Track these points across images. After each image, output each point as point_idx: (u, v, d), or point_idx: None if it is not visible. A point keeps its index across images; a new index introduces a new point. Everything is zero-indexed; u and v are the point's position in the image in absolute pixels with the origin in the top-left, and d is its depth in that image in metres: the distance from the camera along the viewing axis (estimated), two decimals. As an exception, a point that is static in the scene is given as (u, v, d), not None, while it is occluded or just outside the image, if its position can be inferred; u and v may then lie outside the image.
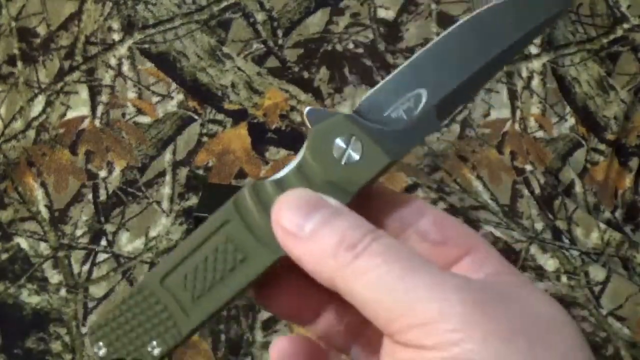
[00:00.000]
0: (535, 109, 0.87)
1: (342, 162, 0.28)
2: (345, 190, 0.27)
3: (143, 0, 0.85)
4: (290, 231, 0.26)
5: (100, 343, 0.28)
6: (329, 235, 0.25)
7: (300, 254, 0.26)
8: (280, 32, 0.87)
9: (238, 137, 0.84)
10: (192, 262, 0.27)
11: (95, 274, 0.72)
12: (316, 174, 0.28)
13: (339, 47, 0.87)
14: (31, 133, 0.83)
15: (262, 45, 0.87)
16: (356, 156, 0.27)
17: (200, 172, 0.81)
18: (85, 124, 0.84)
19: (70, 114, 0.84)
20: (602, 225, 0.79)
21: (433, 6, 0.87)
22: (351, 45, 0.87)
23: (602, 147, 0.85)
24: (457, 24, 0.29)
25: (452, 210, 0.78)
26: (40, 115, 0.84)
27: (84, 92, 0.85)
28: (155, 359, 0.27)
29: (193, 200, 0.79)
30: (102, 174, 0.81)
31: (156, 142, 0.83)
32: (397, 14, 0.87)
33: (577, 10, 0.87)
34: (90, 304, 0.70)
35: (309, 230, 0.25)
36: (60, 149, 0.82)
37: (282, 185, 0.28)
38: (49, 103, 0.84)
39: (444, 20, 0.87)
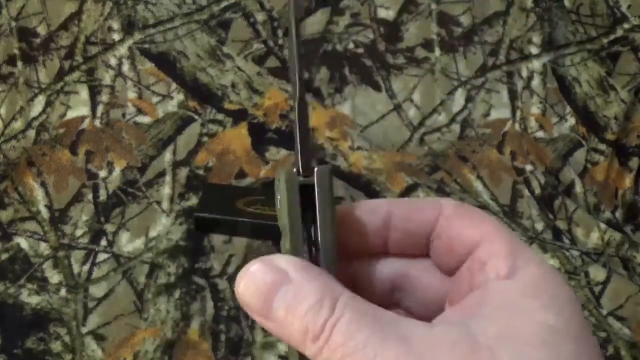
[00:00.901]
0: (535, 109, 0.87)
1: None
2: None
3: (143, 0, 0.85)
4: (260, 316, 0.26)
5: None
6: (293, 324, 0.26)
7: (277, 334, 0.27)
8: (280, 32, 0.87)
9: (238, 137, 0.84)
10: None
11: (95, 274, 0.72)
12: None
13: (339, 47, 0.87)
14: (31, 133, 0.83)
15: (262, 45, 0.87)
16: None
17: (200, 172, 0.81)
18: (85, 124, 0.84)
19: (70, 114, 0.84)
20: (602, 226, 0.79)
21: (433, 6, 0.87)
22: (351, 45, 0.87)
23: (602, 147, 0.85)
24: None
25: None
26: (40, 115, 0.84)
27: (84, 92, 0.85)
28: None
29: (193, 200, 0.79)
30: (102, 174, 0.81)
31: (156, 142, 0.83)
32: (397, 14, 0.87)
33: (577, 10, 0.87)
34: (90, 304, 0.70)
35: (275, 318, 0.26)
36: (60, 149, 0.82)
37: None
38: (49, 103, 0.84)
39: (444, 20, 0.87)
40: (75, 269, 0.72)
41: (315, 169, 0.28)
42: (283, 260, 0.27)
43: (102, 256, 0.74)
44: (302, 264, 0.27)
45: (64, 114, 0.84)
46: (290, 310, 0.26)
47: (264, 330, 0.69)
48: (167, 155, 0.82)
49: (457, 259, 0.29)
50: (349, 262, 0.31)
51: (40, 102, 0.84)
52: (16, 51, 0.85)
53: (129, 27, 0.86)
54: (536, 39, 0.87)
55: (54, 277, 0.72)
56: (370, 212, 0.30)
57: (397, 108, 0.87)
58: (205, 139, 0.84)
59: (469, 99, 0.87)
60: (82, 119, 0.84)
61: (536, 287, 0.26)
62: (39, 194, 0.79)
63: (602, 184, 0.83)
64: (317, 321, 0.25)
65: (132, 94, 0.86)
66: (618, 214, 0.82)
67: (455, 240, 0.29)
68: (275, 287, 0.26)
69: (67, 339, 0.67)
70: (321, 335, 0.25)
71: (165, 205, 0.78)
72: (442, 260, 0.30)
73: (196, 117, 0.85)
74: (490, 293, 0.27)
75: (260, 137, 0.84)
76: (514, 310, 0.26)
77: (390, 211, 0.30)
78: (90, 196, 0.79)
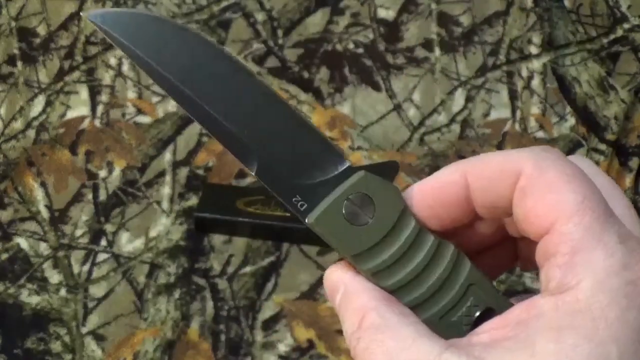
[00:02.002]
0: (535, 109, 0.87)
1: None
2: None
3: (143, 0, 0.85)
4: (332, 291, 0.30)
5: None
6: (343, 316, 0.29)
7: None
8: (280, 32, 0.87)
9: (238, 137, 0.84)
10: None
11: (95, 274, 0.72)
12: None
13: (339, 47, 0.87)
14: (31, 133, 0.83)
15: (262, 45, 0.87)
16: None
17: (200, 172, 0.81)
18: (85, 124, 0.84)
19: (70, 114, 0.84)
20: (602, 225, 0.79)
21: (433, 6, 0.87)
22: (351, 45, 0.87)
23: (602, 147, 0.85)
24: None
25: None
26: (40, 115, 0.84)
27: (84, 92, 0.85)
28: None
29: (193, 200, 0.78)
30: (102, 174, 0.81)
31: (156, 142, 0.83)
32: (397, 14, 0.87)
33: (577, 10, 0.87)
34: (90, 304, 0.70)
35: (337, 303, 0.29)
36: (60, 149, 0.82)
37: None
38: (49, 103, 0.84)
39: (444, 20, 0.87)
40: (75, 269, 0.72)
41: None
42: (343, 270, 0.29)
43: (102, 256, 0.74)
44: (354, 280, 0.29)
45: (64, 114, 0.84)
46: (341, 305, 0.29)
47: (264, 330, 0.69)
48: (167, 155, 0.82)
49: (532, 241, 0.25)
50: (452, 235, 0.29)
51: (40, 102, 0.84)
52: (16, 51, 0.85)
53: (129, 27, 0.85)
54: (536, 39, 0.87)
55: (54, 277, 0.72)
56: (445, 188, 0.27)
57: (397, 108, 0.87)
58: (205, 139, 0.84)
59: (469, 99, 0.87)
60: (82, 119, 0.84)
61: (576, 317, 0.21)
62: (38, 194, 0.79)
63: (602, 184, 0.83)
64: (353, 322, 0.28)
65: (132, 94, 0.86)
66: (618, 214, 0.82)
67: (523, 222, 0.25)
68: (338, 284, 0.29)
69: (67, 339, 0.67)
70: (352, 336, 0.28)
71: (165, 205, 0.78)
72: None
73: (196, 117, 0.85)
74: (531, 312, 0.23)
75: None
76: (537, 351, 0.21)
77: (467, 184, 0.27)
78: (90, 196, 0.79)
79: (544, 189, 0.24)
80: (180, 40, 0.28)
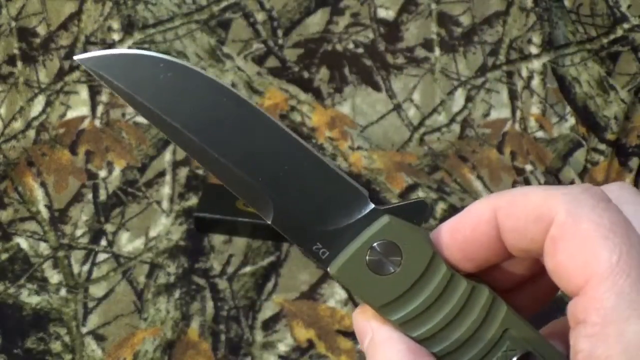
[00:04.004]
0: (535, 109, 0.87)
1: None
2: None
3: (143, 0, 0.85)
4: (360, 335, 0.27)
5: None
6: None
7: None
8: (280, 32, 0.87)
9: (238, 137, 0.84)
10: None
11: (95, 274, 0.72)
12: None
13: (339, 47, 0.87)
14: (31, 133, 0.83)
15: (262, 45, 0.87)
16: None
17: (200, 172, 0.81)
18: (85, 124, 0.84)
19: (70, 114, 0.85)
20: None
21: (433, 6, 0.87)
22: (351, 45, 0.87)
23: (602, 147, 0.85)
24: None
25: (452, 210, 0.78)
26: (40, 115, 0.84)
27: (84, 92, 0.85)
28: None
29: (193, 200, 0.79)
30: (102, 174, 0.81)
31: (156, 142, 0.83)
32: (397, 14, 0.87)
33: (577, 10, 0.87)
34: (90, 304, 0.70)
35: (364, 348, 0.27)
36: (60, 149, 0.82)
37: None
38: (49, 103, 0.84)
39: (444, 20, 0.87)
40: (75, 269, 0.72)
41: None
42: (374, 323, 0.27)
43: (102, 256, 0.74)
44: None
45: (64, 114, 0.84)
46: (369, 350, 0.26)
47: (264, 330, 0.69)
48: (167, 155, 0.83)
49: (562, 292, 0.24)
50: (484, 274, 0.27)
51: (40, 102, 0.84)
52: (16, 51, 0.85)
53: (128, 27, 0.86)
54: (536, 39, 0.87)
55: (54, 277, 0.72)
56: (475, 228, 0.25)
57: (397, 108, 0.87)
58: (205, 139, 0.84)
59: (469, 99, 0.87)
60: (82, 119, 0.85)
61: None
62: (38, 194, 0.79)
63: (602, 184, 0.83)
64: None
65: (132, 94, 0.86)
66: (618, 214, 0.82)
67: (553, 274, 0.23)
68: (365, 330, 0.27)
69: (67, 339, 0.67)
70: None
71: (165, 205, 0.78)
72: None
73: (196, 117, 0.85)
74: None
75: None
76: None
77: (498, 224, 0.25)
78: (90, 196, 0.79)
79: (576, 243, 0.21)
80: (182, 80, 0.25)
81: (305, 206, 0.26)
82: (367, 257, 0.26)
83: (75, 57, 0.27)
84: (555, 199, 0.22)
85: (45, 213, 0.77)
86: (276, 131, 0.26)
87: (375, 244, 0.26)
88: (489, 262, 0.26)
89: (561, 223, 0.22)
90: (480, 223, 0.25)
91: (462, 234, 0.25)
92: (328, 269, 0.26)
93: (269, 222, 0.26)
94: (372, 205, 0.26)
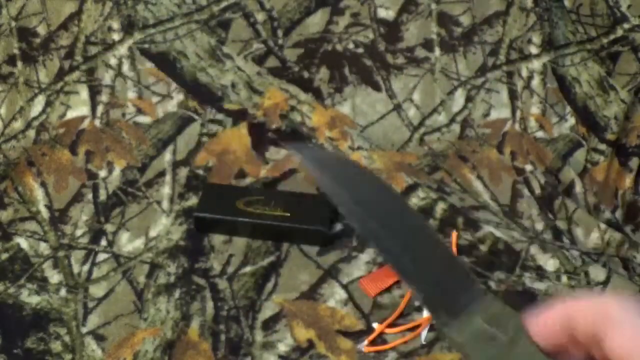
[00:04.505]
0: (535, 109, 0.87)
1: None
2: None
3: (143, 0, 0.85)
4: None
5: None
6: None
7: None
8: (280, 32, 0.87)
9: (238, 137, 0.84)
10: None
11: (95, 274, 0.72)
12: None
13: (339, 47, 0.87)
14: (31, 133, 0.83)
15: (262, 45, 0.87)
16: None
17: (200, 172, 0.81)
18: (85, 124, 0.84)
19: (70, 114, 0.84)
20: (602, 226, 0.79)
21: (433, 6, 0.87)
22: (351, 45, 0.87)
23: (602, 147, 0.85)
24: None
25: (452, 210, 0.78)
26: (40, 115, 0.84)
27: (84, 92, 0.85)
28: None
29: (193, 200, 0.79)
30: (102, 174, 0.81)
31: (156, 142, 0.83)
32: (397, 14, 0.87)
33: (577, 10, 0.87)
34: (90, 304, 0.70)
35: None
36: (60, 149, 0.82)
37: None
38: (49, 103, 0.84)
39: (444, 20, 0.87)
40: (75, 269, 0.72)
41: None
42: None
43: (102, 256, 0.74)
44: None
45: (64, 114, 0.84)
46: None
47: (264, 330, 0.69)
48: (167, 155, 0.83)
49: None
50: None
51: (40, 102, 0.84)
52: (16, 51, 0.85)
53: (129, 27, 0.86)
54: (536, 39, 0.87)
55: (54, 277, 0.72)
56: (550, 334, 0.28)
57: (397, 108, 0.87)
58: (205, 139, 0.84)
59: (469, 99, 0.87)
60: (82, 119, 0.85)
61: None
62: (39, 194, 0.79)
63: (602, 184, 0.83)
64: None
65: (132, 94, 0.86)
66: (618, 214, 0.82)
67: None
68: None
69: (67, 339, 0.67)
70: None
71: (165, 205, 0.78)
72: None
73: (196, 117, 0.85)
74: None
75: (260, 137, 0.84)
76: None
77: (573, 335, 0.27)
78: (90, 196, 0.79)
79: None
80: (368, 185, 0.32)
81: (441, 287, 0.31)
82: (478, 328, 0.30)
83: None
84: (608, 325, 0.26)
85: (45, 213, 0.77)
86: (425, 230, 0.32)
87: (482, 319, 0.30)
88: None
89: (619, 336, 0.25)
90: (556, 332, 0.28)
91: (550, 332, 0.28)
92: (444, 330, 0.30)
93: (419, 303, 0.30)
94: (483, 289, 0.31)
